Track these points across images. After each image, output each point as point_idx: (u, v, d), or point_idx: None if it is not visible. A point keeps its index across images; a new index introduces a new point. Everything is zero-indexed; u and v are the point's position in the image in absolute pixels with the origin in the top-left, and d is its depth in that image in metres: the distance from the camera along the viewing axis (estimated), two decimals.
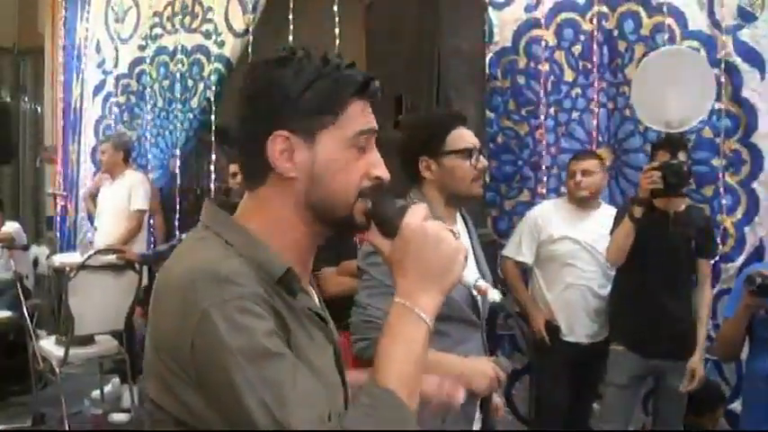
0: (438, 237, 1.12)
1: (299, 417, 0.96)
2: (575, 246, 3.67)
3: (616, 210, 3.68)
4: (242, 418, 0.96)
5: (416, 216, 1.14)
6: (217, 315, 0.99)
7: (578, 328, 3.71)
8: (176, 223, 5.77)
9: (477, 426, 2.26)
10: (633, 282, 3.49)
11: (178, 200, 5.81)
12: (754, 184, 3.89)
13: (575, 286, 3.69)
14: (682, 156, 3.31)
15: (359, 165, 1.15)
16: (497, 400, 2.37)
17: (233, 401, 0.97)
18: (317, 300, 1.26)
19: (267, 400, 0.96)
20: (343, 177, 1.14)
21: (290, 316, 1.10)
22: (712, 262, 3.83)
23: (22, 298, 4.75)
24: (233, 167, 4.73)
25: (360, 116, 1.15)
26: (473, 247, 2.30)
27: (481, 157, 2.23)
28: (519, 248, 3.81)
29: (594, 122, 4.20)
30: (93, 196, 5.67)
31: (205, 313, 0.99)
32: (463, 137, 2.23)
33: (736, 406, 3.76)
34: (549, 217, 3.77)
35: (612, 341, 3.62)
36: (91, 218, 5.82)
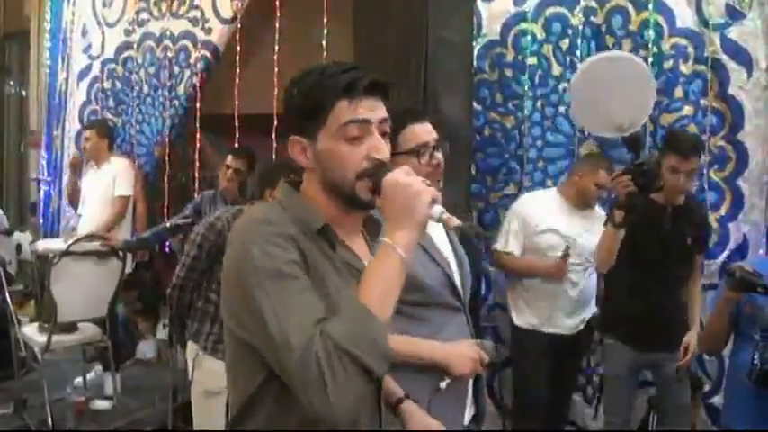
0: (403, 183, 1.35)
1: (295, 320, 1.27)
2: (558, 239, 3.68)
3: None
4: (260, 321, 1.29)
5: (394, 173, 1.38)
6: (253, 245, 1.33)
7: (559, 319, 3.74)
8: (165, 210, 5.75)
9: (469, 411, 2.27)
10: (627, 276, 3.50)
11: (163, 187, 5.78)
12: (739, 181, 3.91)
13: (557, 278, 3.71)
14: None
15: (357, 151, 1.41)
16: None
17: (256, 307, 1.30)
18: (365, 263, 1.48)
19: (277, 308, 1.28)
20: (339, 164, 1.41)
21: (324, 261, 1.40)
22: None
23: (4, 283, 4.72)
24: (230, 160, 4.63)
25: (345, 112, 1.40)
26: (448, 236, 2.30)
27: (436, 153, 2.18)
28: (507, 241, 3.80)
29: None
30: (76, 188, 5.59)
31: (246, 244, 1.34)
32: (415, 135, 2.17)
33: (717, 400, 3.80)
34: (537, 208, 3.78)
35: (604, 334, 3.66)
36: (74, 204, 5.76)
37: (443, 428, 1.85)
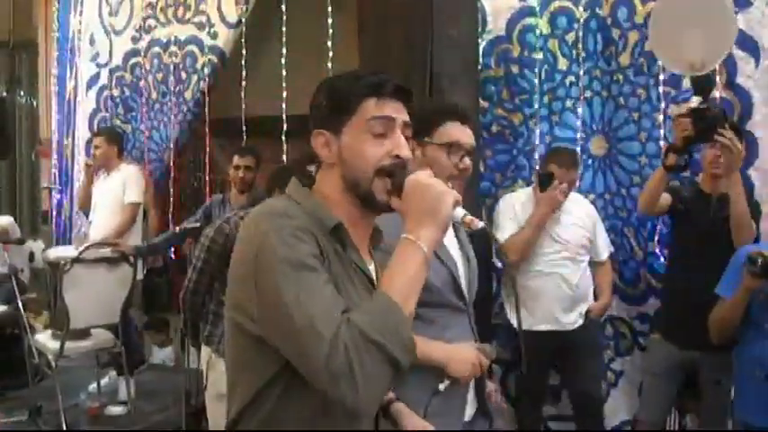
0: (427, 183, 1.38)
1: (322, 310, 1.26)
2: (542, 235, 3.64)
3: (584, 198, 3.84)
4: (281, 310, 1.27)
5: (417, 174, 1.41)
6: (274, 235, 1.32)
7: (552, 315, 3.68)
8: (171, 216, 5.77)
9: (471, 408, 2.26)
10: (672, 268, 3.46)
11: (174, 192, 5.81)
12: (750, 171, 3.86)
13: (545, 274, 3.67)
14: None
15: (380, 147, 1.44)
16: (491, 386, 2.37)
17: (277, 297, 1.28)
18: (372, 268, 1.54)
19: (301, 297, 1.26)
20: (361, 158, 1.43)
21: (335, 260, 1.40)
22: None
23: (17, 292, 4.74)
24: (237, 160, 4.64)
25: (372, 108, 1.45)
26: (457, 236, 2.29)
27: (466, 159, 2.18)
28: (505, 230, 3.69)
29: (588, 111, 4.18)
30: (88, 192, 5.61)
31: (266, 234, 1.32)
32: (454, 132, 2.18)
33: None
34: (516, 205, 3.75)
35: (653, 328, 3.63)
36: (85, 212, 5.79)
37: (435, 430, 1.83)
